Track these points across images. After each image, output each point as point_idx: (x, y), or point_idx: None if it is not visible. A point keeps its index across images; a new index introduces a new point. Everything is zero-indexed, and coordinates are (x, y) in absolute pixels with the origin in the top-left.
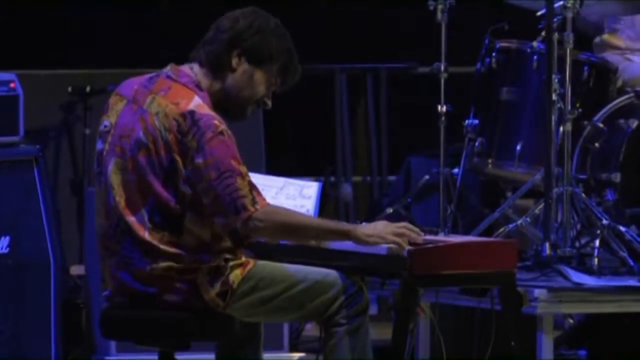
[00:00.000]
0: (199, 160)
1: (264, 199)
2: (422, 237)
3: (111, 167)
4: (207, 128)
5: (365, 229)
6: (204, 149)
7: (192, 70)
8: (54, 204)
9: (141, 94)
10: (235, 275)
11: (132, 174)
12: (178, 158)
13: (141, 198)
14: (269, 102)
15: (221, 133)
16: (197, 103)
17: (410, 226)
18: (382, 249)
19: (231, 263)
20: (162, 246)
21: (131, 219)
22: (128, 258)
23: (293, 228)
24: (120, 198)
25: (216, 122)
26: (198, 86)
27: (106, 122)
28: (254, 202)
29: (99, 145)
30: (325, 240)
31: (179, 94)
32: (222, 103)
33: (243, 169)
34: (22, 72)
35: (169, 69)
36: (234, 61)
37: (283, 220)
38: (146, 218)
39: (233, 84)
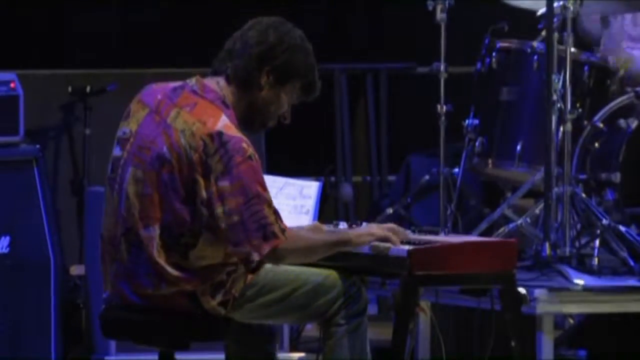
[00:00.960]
0: (225, 184)
1: (286, 226)
2: (406, 235)
3: (128, 176)
4: (235, 152)
5: (356, 231)
6: (231, 172)
7: (218, 85)
8: (53, 204)
9: (165, 106)
10: (237, 286)
11: (150, 188)
12: (200, 179)
13: (156, 213)
14: (289, 117)
15: (250, 158)
16: (224, 123)
17: (397, 226)
18: (365, 247)
19: (233, 275)
20: (168, 267)
21: (143, 233)
22: (131, 270)
23: (309, 252)
24: (134, 210)
25: (245, 145)
26: (224, 103)
27: (125, 129)
28: (282, 231)
29: (116, 151)
30: (332, 253)
31: (206, 111)
32: (246, 118)
33: (268, 196)
34: (22, 72)
35: (194, 82)
36: (263, 79)
37: (303, 246)
38: (157, 234)
39: (260, 101)
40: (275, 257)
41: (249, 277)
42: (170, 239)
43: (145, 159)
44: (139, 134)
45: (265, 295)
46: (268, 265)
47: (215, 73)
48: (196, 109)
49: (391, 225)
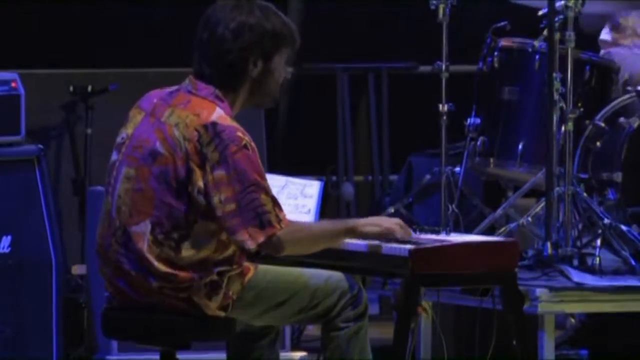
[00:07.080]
0: (221, 172)
1: (285, 216)
2: (410, 233)
3: (121, 177)
4: (230, 141)
5: (363, 220)
6: (227, 161)
7: (211, 88)
8: (55, 203)
9: (160, 108)
10: (235, 287)
11: (142, 183)
12: (196, 168)
13: (148, 208)
14: (289, 75)
15: (245, 147)
16: (219, 114)
17: (403, 223)
18: (363, 245)
19: (228, 275)
20: (156, 263)
21: (133, 229)
22: (124, 271)
23: (311, 242)
24: (125, 207)
25: (240, 134)
26: (218, 97)
27: (123, 135)
28: (278, 220)
29: (113, 157)
30: (337, 243)
31: (200, 105)
32: (251, 103)
33: (266, 184)
34: (24, 72)
35: (187, 82)
36: (251, 70)
37: (303, 237)
38: (148, 229)
39: (257, 86)
40: (273, 246)
41: (246, 278)
42: (162, 234)
43: (138, 157)
44: (134, 137)
45: (264, 300)
46: (266, 267)
47: (199, 77)
48: (190, 105)
49: (398, 220)
